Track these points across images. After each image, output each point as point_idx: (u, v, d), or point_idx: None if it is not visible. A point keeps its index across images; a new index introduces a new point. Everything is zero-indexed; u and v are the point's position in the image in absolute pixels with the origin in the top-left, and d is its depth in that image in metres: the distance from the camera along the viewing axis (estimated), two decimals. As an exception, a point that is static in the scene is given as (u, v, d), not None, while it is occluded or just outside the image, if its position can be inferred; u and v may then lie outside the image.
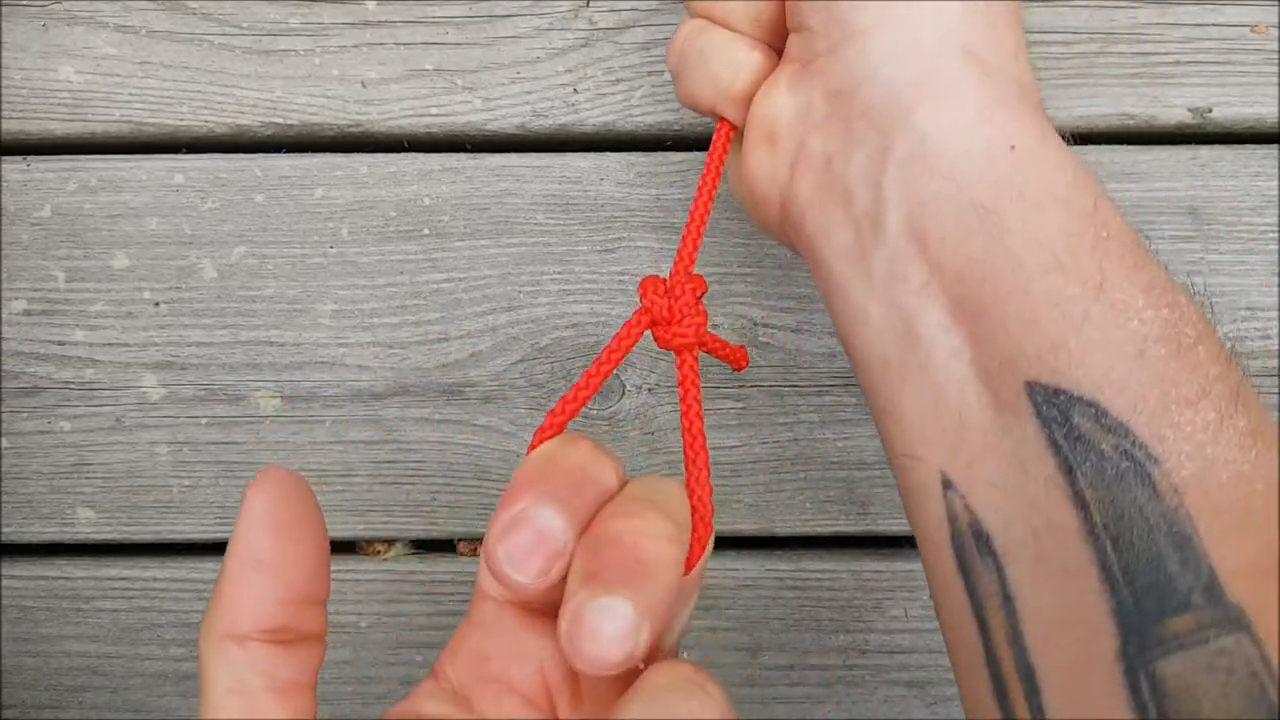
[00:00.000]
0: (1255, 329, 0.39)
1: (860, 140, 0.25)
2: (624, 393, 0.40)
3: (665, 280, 0.29)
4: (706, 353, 0.30)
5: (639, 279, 0.40)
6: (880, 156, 0.25)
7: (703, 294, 0.29)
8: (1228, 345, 0.22)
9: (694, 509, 0.25)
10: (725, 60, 0.29)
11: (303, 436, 0.41)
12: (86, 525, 0.41)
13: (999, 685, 0.22)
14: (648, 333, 0.29)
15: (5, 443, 0.41)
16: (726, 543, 0.42)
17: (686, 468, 0.26)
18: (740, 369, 0.32)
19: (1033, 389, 0.22)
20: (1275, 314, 0.39)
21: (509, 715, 0.24)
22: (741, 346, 0.31)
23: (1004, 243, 0.23)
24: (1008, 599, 0.22)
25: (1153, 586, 0.20)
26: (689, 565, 0.24)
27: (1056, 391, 0.22)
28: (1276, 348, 0.39)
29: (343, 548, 0.42)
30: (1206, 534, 0.20)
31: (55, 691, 0.42)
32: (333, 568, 0.43)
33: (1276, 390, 0.39)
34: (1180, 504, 0.20)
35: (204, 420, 0.41)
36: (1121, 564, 0.20)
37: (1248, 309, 0.39)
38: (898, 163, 0.24)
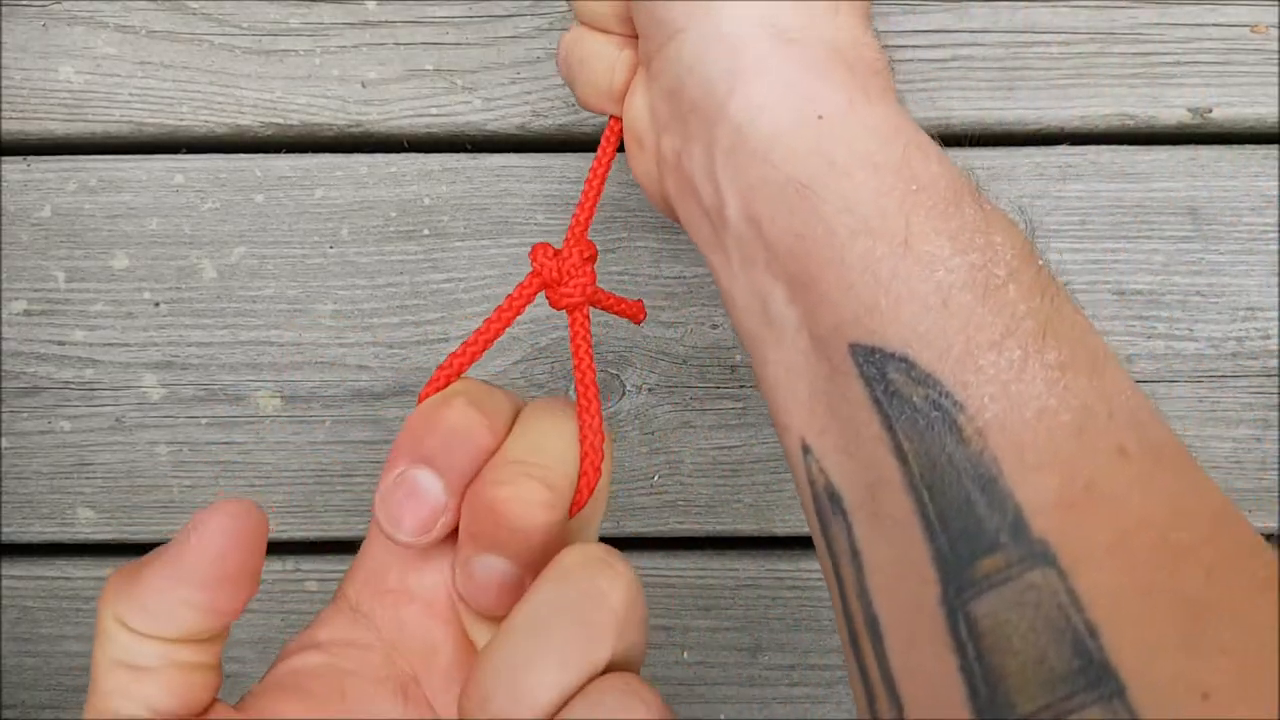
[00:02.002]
0: (1255, 329, 0.39)
1: (694, 136, 0.27)
2: (624, 393, 0.40)
3: (555, 247, 0.30)
4: (603, 309, 0.31)
5: (639, 279, 0.40)
6: (710, 149, 0.26)
7: (591, 257, 0.30)
8: (1050, 274, 0.23)
9: (584, 455, 0.26)
10: (601, 64, 0.30)
11: (303, 436, 0.41)
12: (86, 525, 0.41)
13: (852, 635, 0.23)
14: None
15: (5, 443, 0.41)
16: (726, 543, 0.42)
17: (580, 418, 0.27)
18: (639, 322, 0.33)
19: (855, 350, 0.23)
20: (1275, 314, 0.39)
21: (408, 624, 0.25)
22: (638, 301, 0.32)
23: (819, 214, 0.23)
24: (855, 554, 0.23)
25: (964, 531, 0.21)
26: (574, 510, 0.25)
27: (873, 350, 0.23)
28: (1276, 347, 0.39)
29: (343, 547, 0.42)
30: (1011, 473, 0.20)
31: (55, 691, 0.42)
32: (334, 567, 0.43)
33: (1276, 390, 0.39)
34: (985, 446, 0.21)
35: (204, 420, 0.41)
36: (937, 511, 0.21)
37: (1248, 309, 0.39)
38: (723, 153, 0.25)
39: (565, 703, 0.22)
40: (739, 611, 0.41)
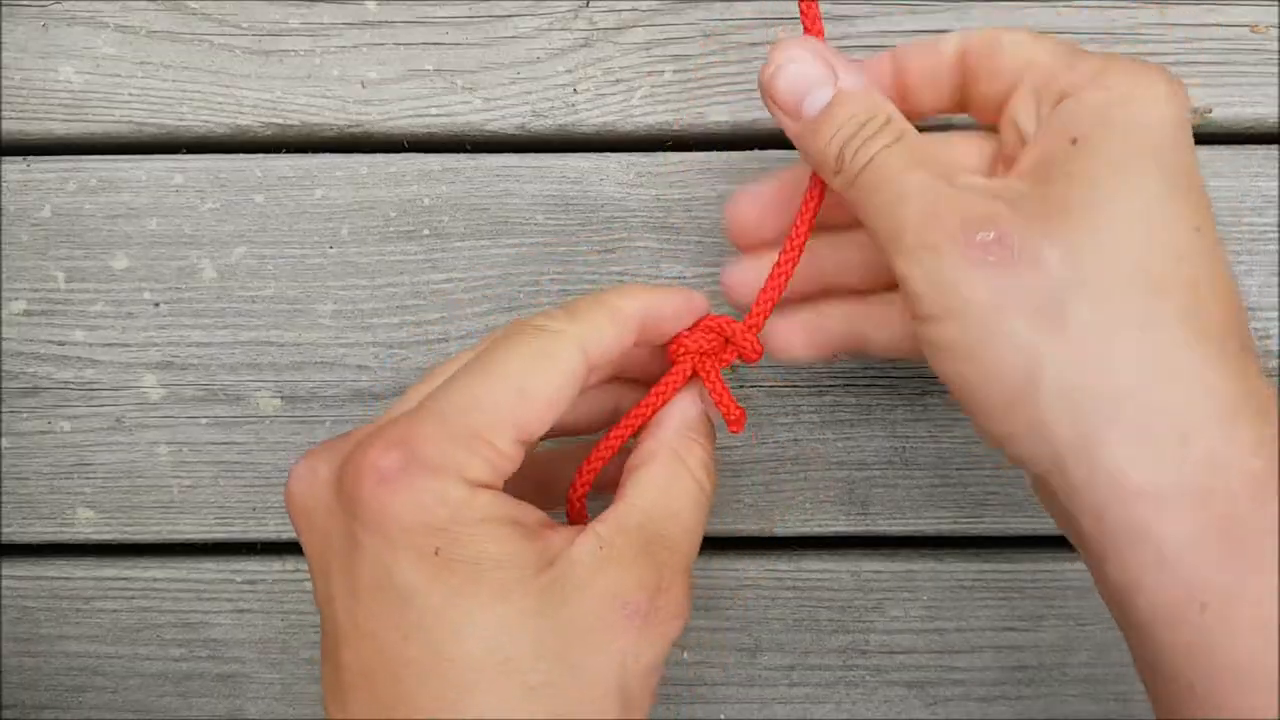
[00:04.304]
0: (1255, 329, 0.39)
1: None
2: (624, 393, 0.40)
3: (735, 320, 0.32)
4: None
5: (639, 279, 0.40)
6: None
7: (727, 340, 0.32)
8: None
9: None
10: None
11: (303, 436, 0.41)
12: (86, 525, 0.41)
13: None
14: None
15: (5, 443, 0.41)
16: (726, 543, 0.42)
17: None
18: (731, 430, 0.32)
19: None
20: (1275, 314, 0.39)
21: None
22: (741, 410, 0.32)
23: None
24: None
25: None
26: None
27: None
28: (1276, 348, 0.39)
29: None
30: None
31: (55, 691, 0.42)
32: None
33: (1276, 389, 0.39)
34: None
35: (204, 420, 0.41)
36: None
37: (1248, 309, 0.39)
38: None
39: None
40: (739, 612, 0.41)
